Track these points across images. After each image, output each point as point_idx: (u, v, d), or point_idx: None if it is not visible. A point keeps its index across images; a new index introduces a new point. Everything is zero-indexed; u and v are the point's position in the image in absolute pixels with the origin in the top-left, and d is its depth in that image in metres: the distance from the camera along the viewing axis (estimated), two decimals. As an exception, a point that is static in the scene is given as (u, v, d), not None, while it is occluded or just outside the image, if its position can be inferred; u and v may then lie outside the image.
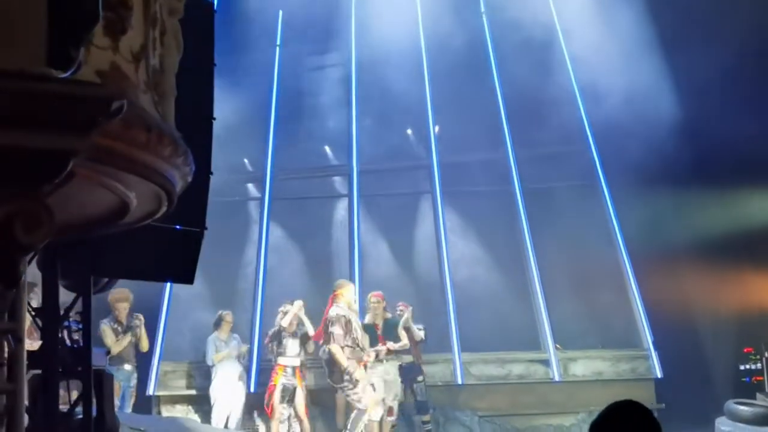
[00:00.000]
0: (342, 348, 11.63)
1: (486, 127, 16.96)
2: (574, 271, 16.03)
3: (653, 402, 14.84)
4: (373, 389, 12.71)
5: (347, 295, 12.07)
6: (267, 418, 13.41)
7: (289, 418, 12.91)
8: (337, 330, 11.62)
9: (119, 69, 3.39)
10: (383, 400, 12.79)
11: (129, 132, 3.28)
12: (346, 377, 11.67)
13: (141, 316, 12.48)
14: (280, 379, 12.75)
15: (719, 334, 15.16)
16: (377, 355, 12.74)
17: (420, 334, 13.50)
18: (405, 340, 13.14)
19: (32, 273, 5.30)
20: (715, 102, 15.01)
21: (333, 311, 11.94)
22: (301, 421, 12.91)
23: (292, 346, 12.85)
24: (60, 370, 5.50)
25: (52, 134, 2.97)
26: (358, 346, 11.74)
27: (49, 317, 5.46)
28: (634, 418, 2.85)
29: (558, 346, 15.27)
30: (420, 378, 13.59)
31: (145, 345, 12.51)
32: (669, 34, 16.13)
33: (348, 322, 11.75)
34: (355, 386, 11.68)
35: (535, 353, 15.36)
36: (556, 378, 14.93)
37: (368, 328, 12.97)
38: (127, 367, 12.13)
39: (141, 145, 3.36)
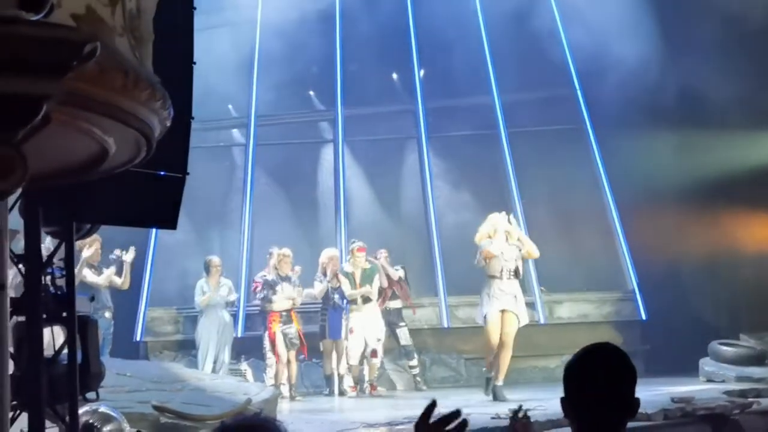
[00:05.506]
0: None
1: (472, 71, 16.86)
2: (559, 215, 16.09)
3: (638, 344, 15.01)
4: (351, 332, 13.05)
5: None
6: (256, 363, 13.56)
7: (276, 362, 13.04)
8: None
9: (95, 12, 3.34)
10: (365, 343, 13.16)
11: (105, 76, 3.23)
12: None
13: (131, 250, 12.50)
14: (278, 326, 12.95)
15: (703, 275, 15.24)
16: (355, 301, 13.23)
17: (397, 273, 13.76)
18: (376, 287, 13.43)
19: (15, 220, 5.27)
20: (703, 45, 14.94)
21: None
22: (289, 364, 13.05)
23: (286, 289, 13.05)
24: (44, 316, 5.49)
25: (23, 78, 2.92)
26: None
27: (32, 264, 5.45)
28: (609, 360, 2.85)
29: (543, 288, 15.36)
30: (402, 323, 13.77)
31: (126, 283, 12.52)
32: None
33: None
34: None
35: (520, 296, 15.45)
36: (542, 321, 15.04)
37: (347, 276, 13.38)
38: (107, 314, 12.15)
39: (118, 89, 3.31)
